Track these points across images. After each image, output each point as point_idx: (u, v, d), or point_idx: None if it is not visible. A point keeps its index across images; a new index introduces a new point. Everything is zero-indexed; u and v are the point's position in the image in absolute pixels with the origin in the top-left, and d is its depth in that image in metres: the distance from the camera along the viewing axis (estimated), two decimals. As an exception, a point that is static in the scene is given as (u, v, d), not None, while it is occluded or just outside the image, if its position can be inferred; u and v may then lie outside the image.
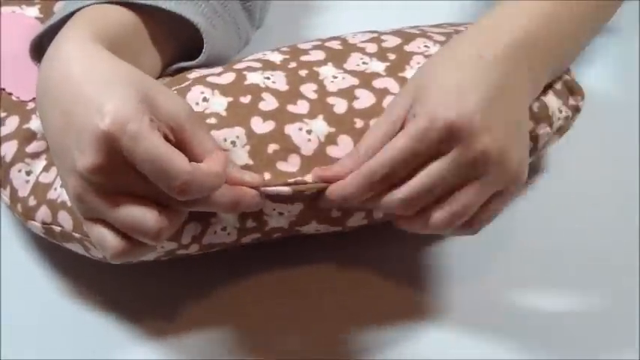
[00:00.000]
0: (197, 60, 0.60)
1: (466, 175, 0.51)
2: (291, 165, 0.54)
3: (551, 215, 0.66)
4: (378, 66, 0.58)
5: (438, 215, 0.52)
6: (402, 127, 0.53)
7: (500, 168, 0.52)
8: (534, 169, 0.68)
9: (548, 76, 0.60)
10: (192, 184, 0.47)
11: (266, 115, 0.55)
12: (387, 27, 0.65)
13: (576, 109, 0.62)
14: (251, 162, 0.54)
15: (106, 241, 0.48)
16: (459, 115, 0.50)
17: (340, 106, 0.56)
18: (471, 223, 0.54)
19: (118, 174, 0.47)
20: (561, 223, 0.66)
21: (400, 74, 0.58)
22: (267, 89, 0.56)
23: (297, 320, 0.60)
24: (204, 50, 0.59)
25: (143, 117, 0.47)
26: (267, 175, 0.53)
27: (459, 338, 0.59)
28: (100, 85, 0.48)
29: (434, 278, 0.63)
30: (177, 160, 0.47)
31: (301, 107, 0.56)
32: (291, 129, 0.55)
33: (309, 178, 0.54)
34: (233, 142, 0.54)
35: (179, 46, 0.62)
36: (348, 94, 0.57)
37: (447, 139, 0.51)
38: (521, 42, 0.55)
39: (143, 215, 0.47)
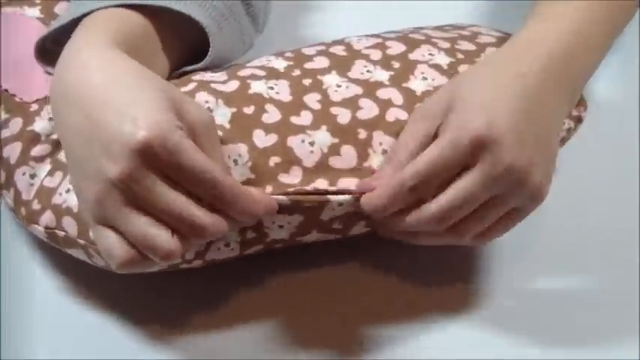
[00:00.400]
0: (202, 63, 0.59)
1: (493, 190, 0.52)
2: (292, 177, 0.54)
3: (551, 217, 0.66)
4: (382, 75, 0.58)
5: (462, 226, 0.53)
6: (435, 135, 0.53)
7: (524, 185, 0.52)
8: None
9: (582, 87, 0.60)
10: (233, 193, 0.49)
11: (268, 128, 0.55)
12: (384, 25, 0.65)
13: (579, 120, 0.62)
14: (253, 176, 0.54)
15: (114, 249, 0.49)
16: (489, 129, 0.51)
17: (344, 116, 0.56)
18: (485, 234, 0.55)
19: (145, 183, 0.47)
20: (562, 224, 0.66)
21: (404, 84, 0.58)
22: (271, 100, 0.56)
23: (303, 323, 0.60)
24: (209, 53, 0.59)
25: (177, 129, 0.48)
26: (268, 188, 0.54)
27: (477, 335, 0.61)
28: (128, 92, 0.49)
29: (440, 278, 0.63)
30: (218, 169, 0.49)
31: (304, 118, 0.55)
32: (293, 141, 0.55)
33: (310, 188, 0.54)
34: (235, 161, 0.54)
35: (185, 49, 0.61)
36: (351, 103, 0.56)
37: (475, 151, 0.51)
38: (558, 57, 0.55)
39: (158, 233, 0.48)
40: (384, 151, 0.55)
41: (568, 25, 0.56)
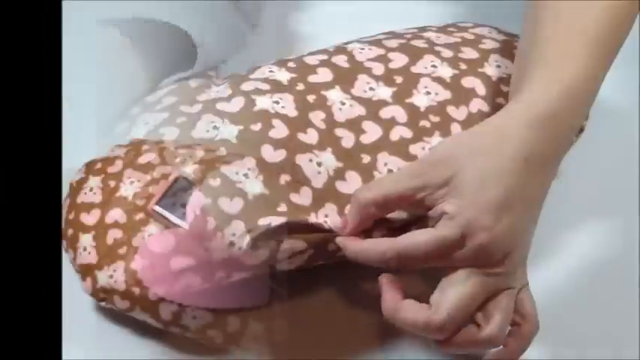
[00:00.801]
0: (192, 70, 0.61)
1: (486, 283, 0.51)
2: (303, 197, 0.54)
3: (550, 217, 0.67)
4: (385, 92, 0.59)
5: None
6: (420, 201, 0.52)
7: (514, 275, 0.53)
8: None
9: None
10: None
11: (277, 144, 0.55)
12: (378, 22, 0.65)
13: (580, 130, 0.62)
14: (267, 192, 0.53)
15: None
16: (493, 237, 0.50)
17: (348, 140, 0.56)
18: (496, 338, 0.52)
19: None
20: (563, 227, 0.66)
21: (407, 100, 0.58)
22: (277, 115, 0.56)
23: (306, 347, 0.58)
24: (197, 60, 0.61)
25: None
26: (282, 207, 0.53)
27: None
28: None
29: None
30: None
31: (311, 136, 0.56)
32: (301, 159, 0.55)
33: (322, 214, 0.54)
34: (246, 175, 0.54)
35: (173, 50, 0.63)
36: (355, 125, 0.57)
37: (473, 254, 0.50)
38: (555, 119, 0.52)
39: None
40: (390, 171, 0.56)
41: (567, 83, 0.53)
